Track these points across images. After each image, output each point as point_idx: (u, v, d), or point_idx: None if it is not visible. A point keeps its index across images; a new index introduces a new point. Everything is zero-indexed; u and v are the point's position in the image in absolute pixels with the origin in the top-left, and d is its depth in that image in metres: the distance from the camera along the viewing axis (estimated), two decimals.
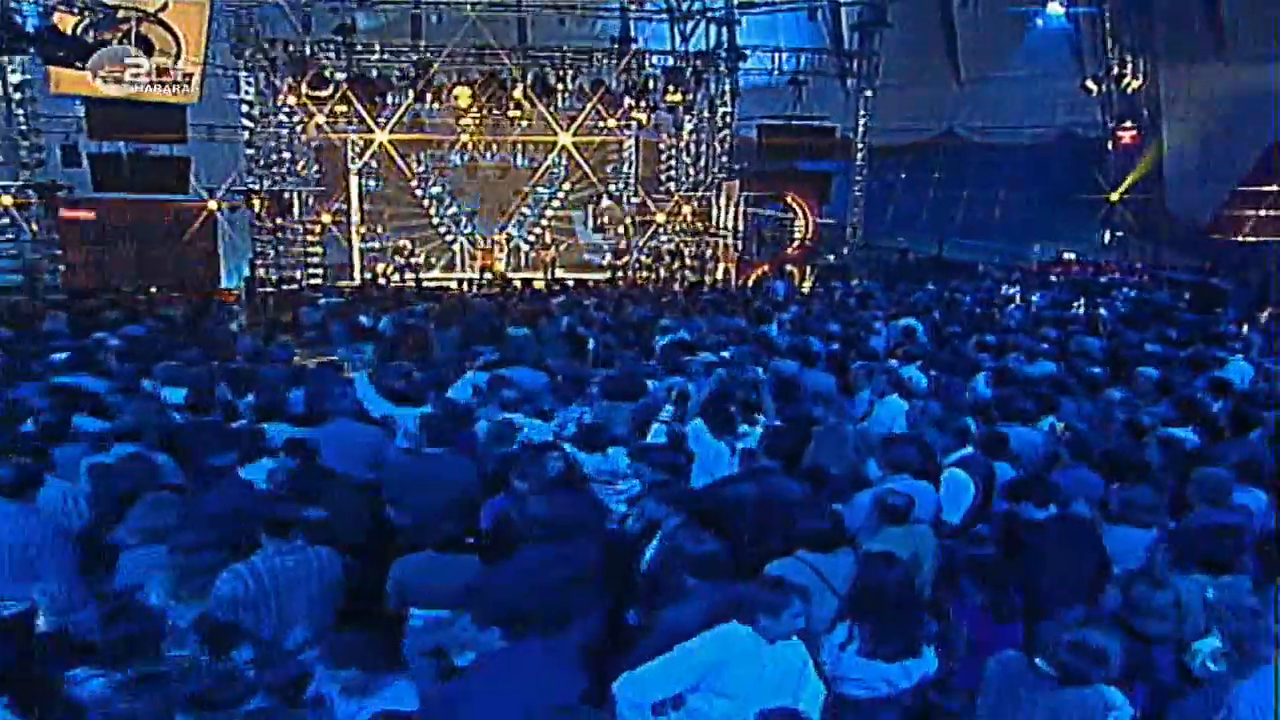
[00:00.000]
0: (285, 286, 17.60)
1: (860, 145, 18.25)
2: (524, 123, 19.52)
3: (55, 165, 16.40)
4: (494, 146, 21.35)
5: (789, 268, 16.34)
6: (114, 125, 16.15)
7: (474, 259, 21.19)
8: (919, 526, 3.92)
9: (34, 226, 15.48)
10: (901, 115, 19.56)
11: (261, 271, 17.41)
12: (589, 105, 18.68)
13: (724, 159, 17.91)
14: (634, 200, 20.23)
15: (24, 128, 15.19)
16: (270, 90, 17.48)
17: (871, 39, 17.88)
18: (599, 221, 20.17)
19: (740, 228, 16.72)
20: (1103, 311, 12.22)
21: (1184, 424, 5.64)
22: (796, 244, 16.69)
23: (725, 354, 7.98)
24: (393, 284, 17.16)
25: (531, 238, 22.13)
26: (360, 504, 4.40)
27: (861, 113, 18.14)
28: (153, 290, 16.23)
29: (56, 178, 16.26)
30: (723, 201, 18.01)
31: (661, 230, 18.95)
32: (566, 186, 21.89)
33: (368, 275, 19.17)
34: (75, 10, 12.92)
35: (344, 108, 18.61)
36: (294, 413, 5.88)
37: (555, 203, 22.18)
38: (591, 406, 6.01)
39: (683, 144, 19.00)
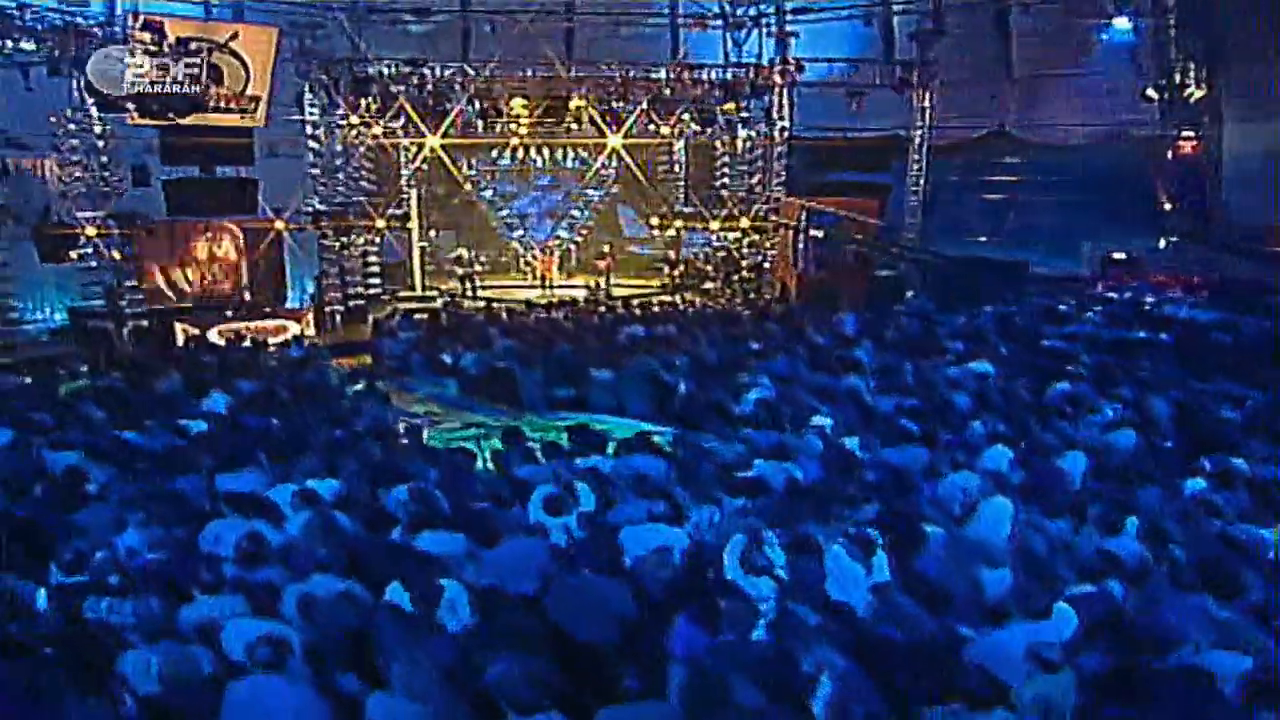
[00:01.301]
0: (352, 303, 18.21)
1: (916, 156, 18.33)
2: (574, 125, 19.70)
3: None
4: (545, 149, 21.62)
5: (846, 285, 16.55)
6: (186, 151, 16.69)
7: (530, 265, 21.65)
8: (1065, 673, 4.41)
9: (115, 254, 16.12)
10: (952, 113, 19.53)
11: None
12: (639, 110, 18.80)
13: (781, 174, 18.06)
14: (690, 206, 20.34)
15: (105, 159, 15.75)
16: (332, 107, 17.82)
17: (927, 48, 17.85)
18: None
19: (801, 244, 16.97)
20: (1164, 336, 12.50)
21: (1262, 519, 6.03)
22: (855, 258, 16.92)
23: (821, 419, 8.45)
24: (463, 306, 17.58)
25: (580, 239, 22.51)
26: (541, 626, 4.98)
27: (918, 122, 18.18)
28: (227, 314, 16.81)
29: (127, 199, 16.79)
30: (781, 217, 18.19)
31: (716, 237, 19.22)
32: (617, 189, 22.17)
33: (432, 291, 19.60)
34: (160, 56, 13.36)
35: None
36: (444, 514, 6.47)
37: (604, 206, 22.51)
38: (717, 505, 6.49)
39: (738, 152, 19.14)
